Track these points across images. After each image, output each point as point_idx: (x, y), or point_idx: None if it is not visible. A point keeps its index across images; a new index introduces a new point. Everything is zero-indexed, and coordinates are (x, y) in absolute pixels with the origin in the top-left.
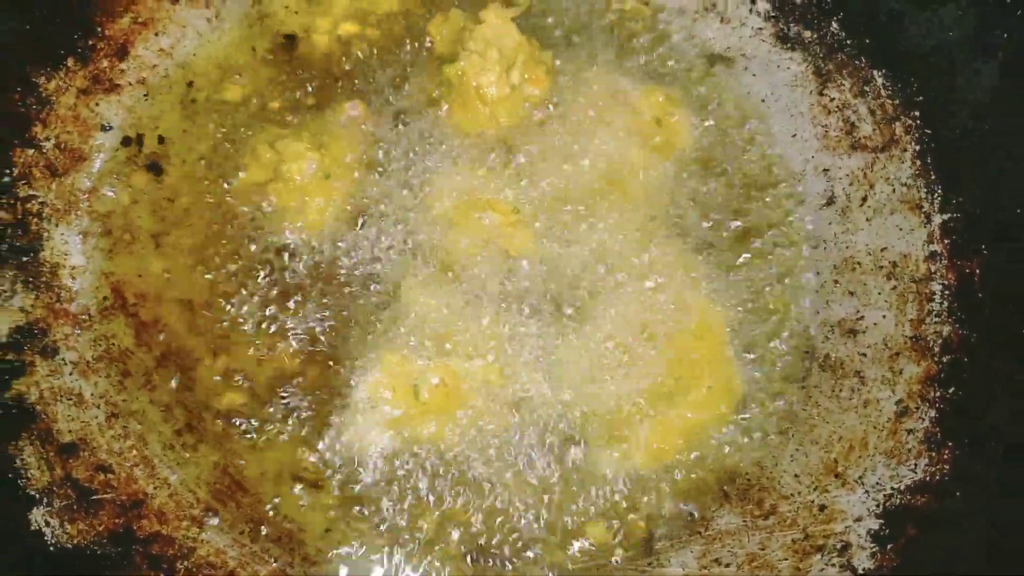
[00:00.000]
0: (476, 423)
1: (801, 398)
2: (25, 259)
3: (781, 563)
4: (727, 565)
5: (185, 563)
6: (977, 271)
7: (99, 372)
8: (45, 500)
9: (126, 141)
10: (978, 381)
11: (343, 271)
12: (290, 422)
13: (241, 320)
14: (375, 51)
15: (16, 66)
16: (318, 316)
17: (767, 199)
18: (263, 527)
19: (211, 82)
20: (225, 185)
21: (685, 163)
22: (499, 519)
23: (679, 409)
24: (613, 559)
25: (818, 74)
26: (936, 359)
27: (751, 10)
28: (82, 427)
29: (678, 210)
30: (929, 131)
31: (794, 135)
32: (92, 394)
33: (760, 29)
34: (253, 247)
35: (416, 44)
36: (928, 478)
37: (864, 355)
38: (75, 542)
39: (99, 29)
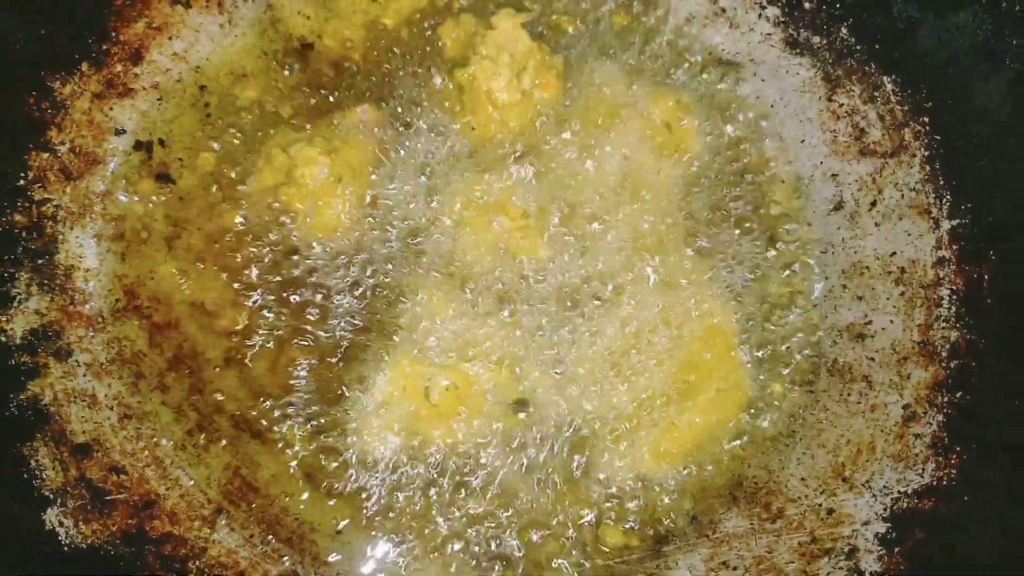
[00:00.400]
0: (486, 425)
1: (809, 402)
2: (40, 262)
3: (788, 566)
4: (734, 568)
5: (197, 563)
6: (985, 276)
7: (112, 374)
8: (59, 500)
9: (138, 146)
10: (986, 386)
11: (354, 274)
12: (301, 423)
13: (253, 323)
14: (387, 56)
15: (31, 71)
16: (330, 319)
17: (776, 204)
18: (274, 527)
19: (224, 87)
20: (238, 189)
21: (695, 168)
22: (508, 521)
23: (688, 413)
24: (621, 561)
25: (827, 80)
26: (944, 364)
27: (760, 15)
28: (95, 428)
29: (688, 214)
30: (938, 137)
31: (803, 140)
32: (105, 395)
33: (769, 35)
34: (265, 251)
35: (428, 49)
36: (935, 482)
37: (872, 360)
38: (89, 542)
39: (113, 34)
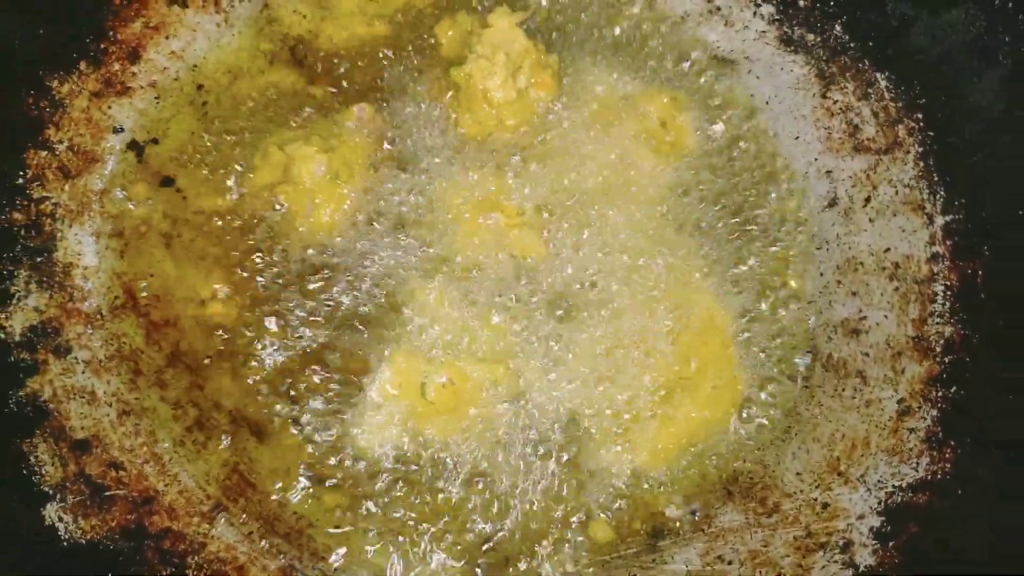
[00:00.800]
0: (482, 421)
1: (804, 397)
2: (39, 259)
3: (784, 560)
4: (730, 562)
5: (196, 558)
6: (979, 272)
7: (111, 370)
8: (59, 496)
9: (132, 145)
10: (980, 381)
11: (351, 272)
12: (299, 419)
13: (250, 320)
14: (383, 54)
15: (30, 70)
16: (326, 316)
17: (770, 200)
18: (273, 523)
19: (221, 85)
20: (235, 187)
21: (690, 165)
22: (505, 516)
23: (683, 408)
24: (617, 556)
25: (821, 77)
26: (938, 359)
27: (755, 13)
28: (94, 424)
29: (683, 211)
30: (932, 133)
31: (797, 137)
32: (104, 392)
33: (764, 32)
34: (262, 248)
35: (423, 47)
36: (930, 476)
37: (867, 355)
38: (88, 537)
39: (111, 33)
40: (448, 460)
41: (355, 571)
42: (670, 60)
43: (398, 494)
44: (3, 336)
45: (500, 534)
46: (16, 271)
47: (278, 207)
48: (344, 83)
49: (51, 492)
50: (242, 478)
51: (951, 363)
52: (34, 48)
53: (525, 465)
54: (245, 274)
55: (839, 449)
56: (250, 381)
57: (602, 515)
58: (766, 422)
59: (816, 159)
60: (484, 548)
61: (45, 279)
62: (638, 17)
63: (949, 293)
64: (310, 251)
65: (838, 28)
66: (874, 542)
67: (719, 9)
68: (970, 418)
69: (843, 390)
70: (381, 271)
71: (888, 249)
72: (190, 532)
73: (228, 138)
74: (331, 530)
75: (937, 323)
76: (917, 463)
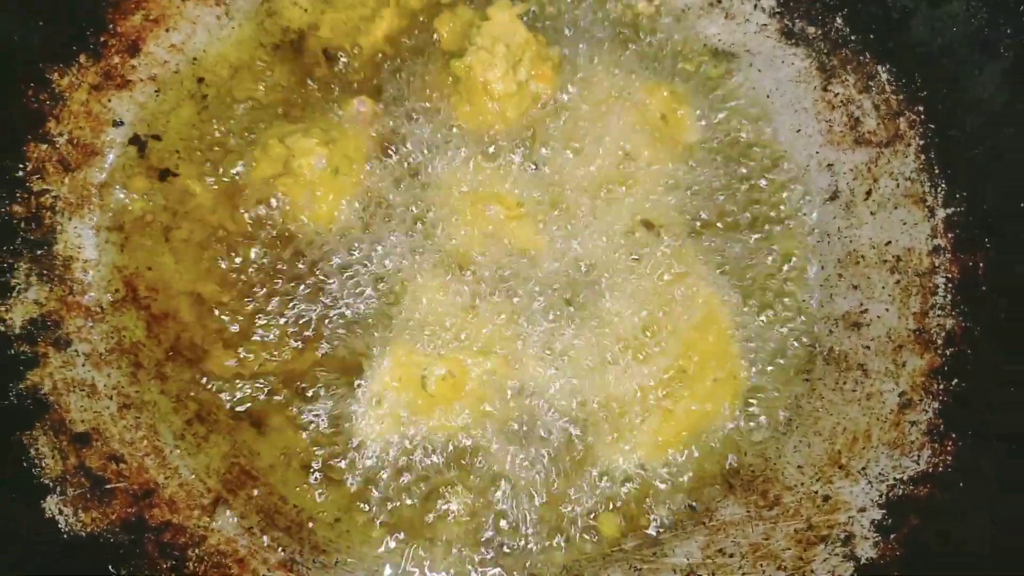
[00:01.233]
0: (483, 414)
1: (805, 390)
2: (39, 252)
3: (785, 553)
4: (731, 555)
5: (196, 551)
6: (980, 265)
7: (111, 364)
8: (59, 489)
9: (133, 140)
10: (981, 373)
11: (351, 264)
12: (299, 413)
13: (250, 313)
14: (383, 47)
15: (30, 63)
16: (326, 308)
17: (772, 194)
18: (273, 516)
19: (221, 78)
20: (235, 180)
21: (690, 158)
22: (505, 509)
23: (684, 401)
24: (619, 549)
25: (822, 70)
26: (939, 352)
27: (756, 6)
28: (95, 417)
29: (683, 204)
30: (933, 126)
31: (798, 130)
32: (104, 385)
33: (764, 25)
34: (263, 241)
35: (424, 40)
36: (931, 469)
37: (868, 348)
38: (88, 530)
39: (111, 26)
40: (448, 453)
41: (355, 564)
42: (671, 53)
43: (399, 487)
44: (3, 329)
45: (501, 526)
46: (16, 264)
47: (278, 200)
48: (344, 76)
49: (51, 485)
50: (243, 471)
51: (952, 356)
52: (34, 41)
53: (526, 457)
54: (244, 267)
55: (840, 442)
56: (250, 374)
57: (604, 508)
58: (767, 415)
59: (817, 152)
60: (484, 540)
61: (45, 272)
62: (638, 10)
63: (950, 286)
64: (309, 244)
65: (839, 21)
66: (875, 535)
67: (720, 2)
68: (971, 411)
69: (844, 383)
70: (380, 263)
71: (889, 242)
72: (190, 525)
73: (228, 131)
74: (332, 523)
75: (938, 316)
76: (918, 456)
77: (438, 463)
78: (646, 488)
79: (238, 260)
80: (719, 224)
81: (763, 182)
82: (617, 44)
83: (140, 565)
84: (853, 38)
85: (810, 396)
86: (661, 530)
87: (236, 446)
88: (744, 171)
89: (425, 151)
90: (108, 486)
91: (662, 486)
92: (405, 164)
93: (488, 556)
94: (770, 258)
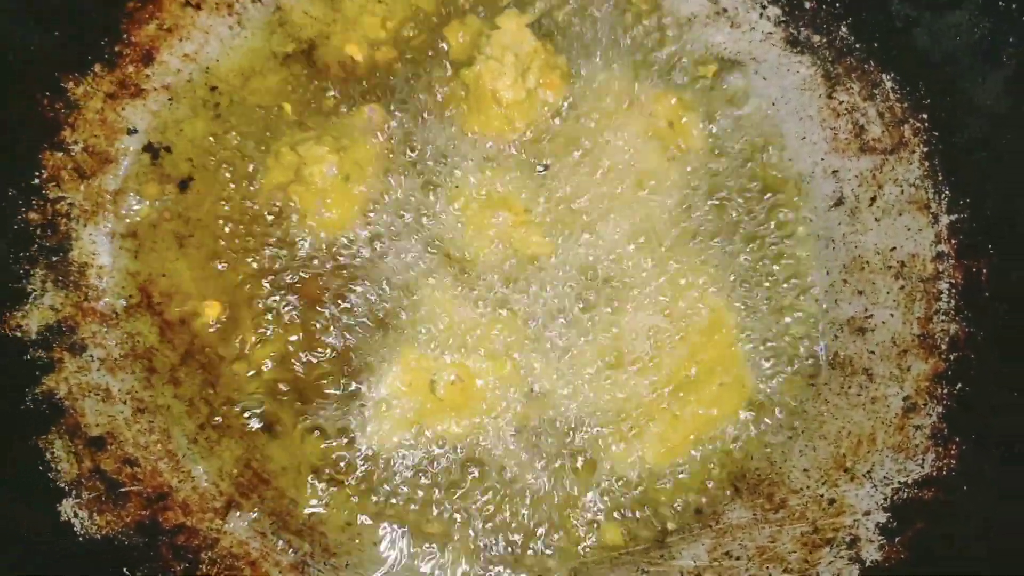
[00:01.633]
0: (491, 419)
1: (811, 395)
2: (55, 259)
3: (791, 556)
4: (738, 558)
5: (209, 554)
6: (984, 270)
7: (125, 368)
8: (74, 492)
9: (148, 148)
10: (984, 378)
11: (362, 271)
12: (310, 417)
13: (262, 318)
14: (393, 56)
15: (46, 72)
16: (338, 315)
17: (777, 200)
18: (285, 519)
19: (234, 87)
20: (247, 187)
21: (697, 165)
22: (514, 512)
23: (691, 406)
24: (626, 552)
25: (827, 78)
26: (943, 356)
27: (761, 15)
28: (109, 421)
29: (690, 211)
30: (937, 133)
31: (803, 137)
32: (119, 390)
33: (770, 34)
34: (274, 248)
35: (433, 49)
36: (935, 472)
37: (873, 353)
38: (103, 533)
39: (125, 36)
40: (456, 457)
41: (366, 567)
42: (677, 61)
43: (408, 491)
44: (20, 334)
45: (509, 529)
46: (32, 270)
47: (290, 207)
48: (355, 84)
49: (67, 488)
50: (255, 475)
51: (956, 360)
52: (49, 50)
53: (533, 461)
54: (255, 273)
55: (845, 446)
56: (262, 379)
57: (611, 510)
58: (773, 419)
59: (822, 159)
60: (492, 543)
61: (61, 278)
62: (645, 19)
63: (954, 291)
64: (321, 251)
65: (844, 29)
66: (880, 538)
67: (725, 11)
68: (975, 415)
69: (849, 387)
70: (391, 270)
71: (894, 248)
72: (203, 528)
73: (241, 139)
74: (342, 526)
75: (942, 321)
76: (923, 459)
77: (446, 467)
78: (653, 491)
79: (250, 267)
80: (724, 230)
81: (768, 189)
82: (624, 52)
83: (154, 567)
84: (858, 46)
85: (815, 400)
86: (668, 533)
87: (248, 450)
88: (749, 178)
89: (435, 158)
90: (123, 489)
91: (669, 489)
92: (415, 171)
93: (496, 558)
94: (776, 264)
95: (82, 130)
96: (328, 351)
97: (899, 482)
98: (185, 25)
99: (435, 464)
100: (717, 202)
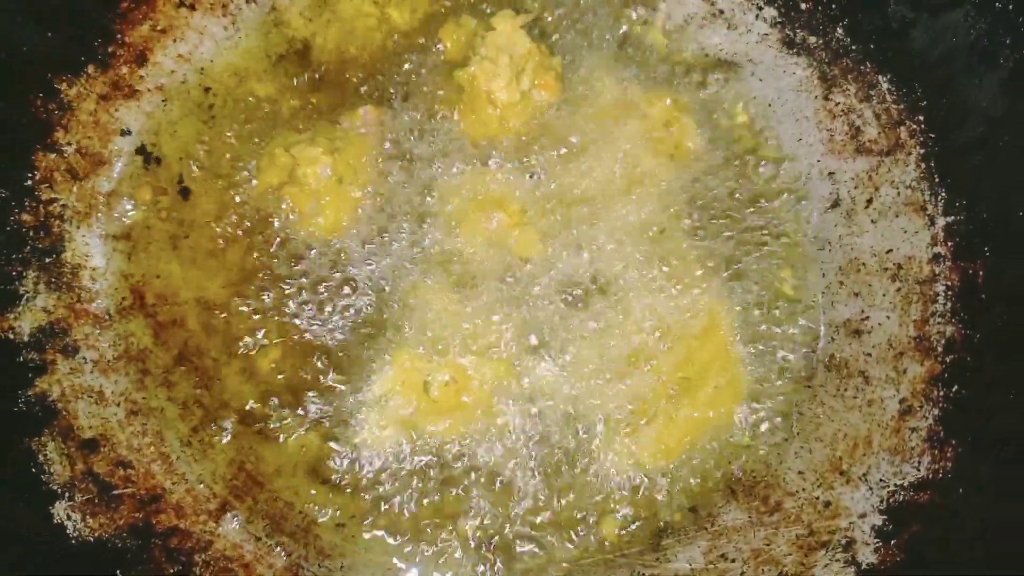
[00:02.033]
0: (485, 420)
1: (806, 397)
2: (47, 260)
3: (786, 558)
4: (733, 560)
5: (202, 556)
6: (980, 272)
7: (119, 371)
8: (67, 494)
9: (141, 149)
10: (980, 380)
11: (356, 272)
12: (304, 419)
13: (256, 320)
14: (388, 57)
15: (38, 72)
16: (331, 315)
17: (773, 202)
18: (278, 521)
19: (228, 88)
20: (241, 189)
21: (693, 166)
22: (508, 514)
23: (686, 407)
24: (621, 554)
25: (823, 79)
26: (939, 359)
27: (757, 16)
28: (102, 424)
29: (685, 212)
30: (933, 135)
31: (800, 139)
32: (112, 392)
33: (766, 35)
34: (268, 249)
35: (428, 50)
36: (931, 475)
37: (869, 355)
38: (96, 535)
39: (119, 36)
40: (451, 458)
41: (360, 569)
42: (673, 63)
43: (403, 492)
44: (12, 336)
45: (504, 531)
46: (25, 272)
47: (283, 208)
48: (349, 86)
49: (59, 491)
50: (248, 477)
51: (952, 363)
52: (43, 51)
53: (529, 462)
54: (250, 275)
55: (841, 448)
56: (256, 381)
57: (606, 513)
58: (768, 421)
59: (818, 161)
60: (487, 544)
61: (53, 280)
62: (641, 21)
63: (950, 293)
64: (315, 252)
65: (840, 31)
66: (876, 540)
67: (722, 12)
68: (971, 417)
69: (845, 390)
70: (385, 271)
71: (890, 250)
72: (197, 530)
73: (234, 140)
74: (336, 528)
75: (938, 323)
76: (919, 462)
77: (441, 468)
78: (649, 493)
79: (243, 268)
80: (721, 231)
81: (764, 190)
82: (620, 54)
83: (147, 570)
84: (854, 48)
85: (811, 402)
86: (663, 535)
87: (242, 452)
88: (745, 179)
89: (429, 159)
90: (116, 492)
91: (664, 491)
92: (409, 172)
93: (491, 559)
94: (772, 266)
95: (75, 131)
96: (321, 352)
97: (895, 484)
98: (179, 26)
99: (429, 465)
100: (712, 203)
